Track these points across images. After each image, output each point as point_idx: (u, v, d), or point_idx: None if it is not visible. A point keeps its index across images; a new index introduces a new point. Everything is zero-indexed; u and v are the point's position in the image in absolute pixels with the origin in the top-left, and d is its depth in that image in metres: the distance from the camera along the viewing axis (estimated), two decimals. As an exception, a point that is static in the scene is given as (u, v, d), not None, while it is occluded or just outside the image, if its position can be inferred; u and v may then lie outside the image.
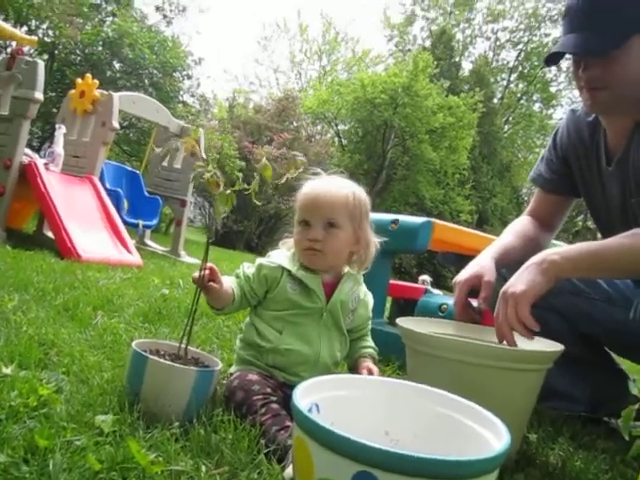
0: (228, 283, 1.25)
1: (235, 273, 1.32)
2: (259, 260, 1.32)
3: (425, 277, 5.94)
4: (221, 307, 1.26)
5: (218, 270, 1.20)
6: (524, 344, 1.19)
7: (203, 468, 0.91)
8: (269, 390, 1.15)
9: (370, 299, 1.42)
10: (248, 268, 1.31)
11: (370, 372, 1.28)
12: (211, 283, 1.19)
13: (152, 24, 11.85)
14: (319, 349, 1.27)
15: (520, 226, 1.59)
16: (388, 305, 2.62)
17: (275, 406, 1.10)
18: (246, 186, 1.16)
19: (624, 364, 1.67)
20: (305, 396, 0.82)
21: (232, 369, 1.32)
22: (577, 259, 1.20)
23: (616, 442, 1.36)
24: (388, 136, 16.95)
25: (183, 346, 1.19)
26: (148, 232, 5.67)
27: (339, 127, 19.36)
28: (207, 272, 1.17)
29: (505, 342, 1.16)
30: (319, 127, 19.30)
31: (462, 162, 17.16)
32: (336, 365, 1.34)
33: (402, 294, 2.38)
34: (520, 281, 1.17)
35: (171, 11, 12.80)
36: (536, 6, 23.17)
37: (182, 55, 10.96)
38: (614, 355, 1.65)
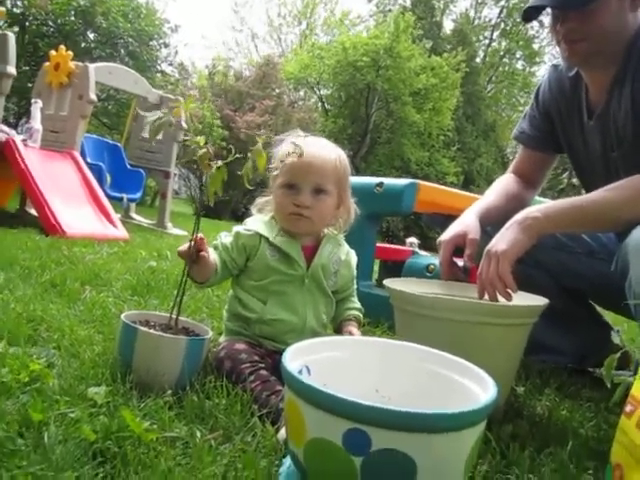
0: (212, 255, 1.24)
1: (213, 245, 1.30)
2: (236, 228, 1.31)
3: (412, 239, 5.94)
4: (204, 280, 1.24)
5: (206, 241, 1.19)
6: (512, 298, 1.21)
7: (198, 433, 0.92)
8: (257, 358, 1.16)
9: (352, 258, 1.42)
10: (225, 237, 1.30)
11: (351, 336, 1.28)
12: (202, 252, 1.17)
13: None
14: (305, 316, 1.28)
15: (503, 184, 1.59)
16: (377, 268, 2.65)
17: (264, 372, 1.11)
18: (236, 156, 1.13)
19: (608, 316, 1.70)
20: (295, 358, 0.83)
21: (221, 339, 1.33)
22: (559, 215, 1.21)
23: (600, 391, 1.40)
24: (371, 99, 16.77)
25: (174, 316, 1.19)
26: (133, 205, 5.63)
27: (322, 92, 19.10)
28: (196, 243, 1.15)
29: (487, 298, 1.18)
30: (302, 93, 19.04)
31: (446, 123, 17.08)
32: (324, 327, 1.36)
33: (389, 256, 2.40)
34: (502, 239, 1.19)
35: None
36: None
37: (158, 23, 10.66)
38: (599, 308, 1.68)
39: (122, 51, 9.70)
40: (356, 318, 1.38)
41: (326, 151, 1.29)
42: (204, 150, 1.11)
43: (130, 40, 9.45)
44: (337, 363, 0.92)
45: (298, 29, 23.43)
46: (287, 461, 0.83)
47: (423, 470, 0.61)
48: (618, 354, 0.98)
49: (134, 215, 5.63)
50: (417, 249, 2.67)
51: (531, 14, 1.34)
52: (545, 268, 1.51)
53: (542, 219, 1.19)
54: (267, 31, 24.02)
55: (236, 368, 1.13)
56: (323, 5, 23.14)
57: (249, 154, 1.10)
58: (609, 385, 0.95)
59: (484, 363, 0.86)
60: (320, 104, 18.78)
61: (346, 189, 1.33)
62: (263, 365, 1.14)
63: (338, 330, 1.38)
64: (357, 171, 15.38)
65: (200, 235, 1.16)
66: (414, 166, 16.77)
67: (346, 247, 1.41)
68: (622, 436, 0.66)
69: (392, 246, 2.63)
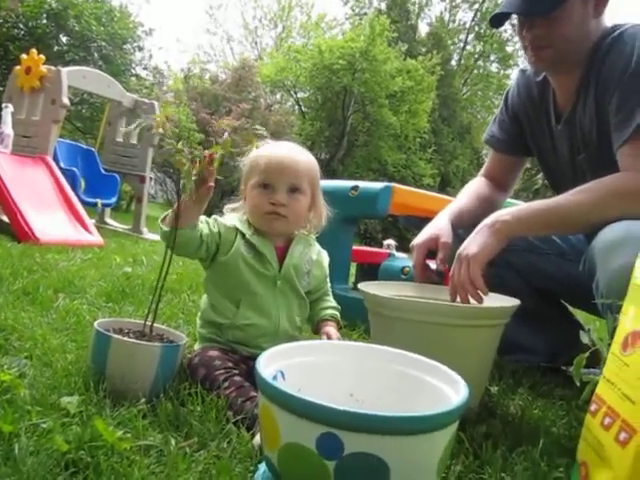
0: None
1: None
2: (214, 216, 1.30)
3: (390, 241, 5.97)
4: (188, 224, 1.17)
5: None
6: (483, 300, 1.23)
7: (172, 441, 0.92)
8: (230, 364, 1.16)
9: (324, 258, 1.43)
10: (208, 220, 1.27)
11: (329, 337, 1.29)
12: (210, 183, 1.12)
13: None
14: (278, 320, 1.28)
15: (475, 188, 1.62)
16: (354, 271, 2.66)
17: (238, 379, 1.11)
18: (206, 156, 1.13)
19: (580, 315, 1.74)
20: (269, 364, 0.84)
21: (196, 346, 1.32)
22: (528, 218, 1.23)
23: (572, 389, 1.42)
24: (348, 102, 16.82)
25: (148, 323, 1.18)
26: (108, 210, 5.56)
27: (298, 95, 19.10)
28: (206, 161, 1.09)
29: (459, 301, 1.21)
30: (278, 96, 19.02)
31: (422, 126, 17.21)
32: (298, 330, 1.36)
33: (365, 259, 2.41)
34: (473, 243, 1.21)
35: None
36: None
37: (132, 26, 10.53)
38: (570, 307, 1.72)
39: (95, 55, 9.55)
40: (333, 317, 1.38)
41: (298, 152, 1.32)
42: (180, 150, 1.11)
43: (103, 44, 9.30)
44: (311, 368, 0.92)
45: (274, 32, 23.43)
46: (262, 466, 0.83)
47: (396, 472, 0.62)
48: (587, 353, 1.00)
49: (109, 220, 5.56)
50: (394, 251, 2.69)
51: (499, 20, 1.37)
52: (516, 269, 1.53)
53: (512, 222, 1.21)
54: (242, 34, 23.89)
55: (210, 375, 1.12)
56: (299, 8, 23.19)
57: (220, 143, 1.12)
58: (578, 384, 0.97)
59: (457, 364, 0.87)
60: (297, 107, 18.78)
61: (318, 191, 1.35)
62: (237, 371, 1.14)
63: (316, 331, 1.38)
64: (334, 174, 15.42)
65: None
66: (391, 168, 16.86)
67: (317, 247, 1.41)
68: (587, 434, 0.67)
69: (368, 249, 2.65)
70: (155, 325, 1.20)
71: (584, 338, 1.56)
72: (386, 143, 16.92)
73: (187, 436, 0.95)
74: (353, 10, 23.63)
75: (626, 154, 1.22)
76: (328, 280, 1.45)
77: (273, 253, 1.29)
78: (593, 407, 0.68)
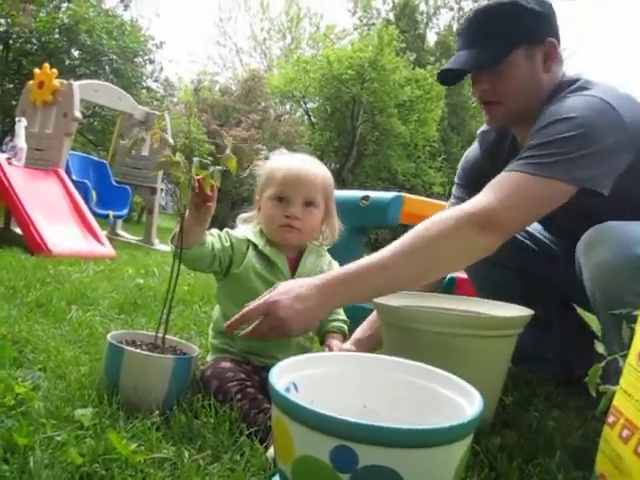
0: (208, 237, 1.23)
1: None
2: (226, 229, 1.32)
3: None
4: (193, 243, 1.18)
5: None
6: (494, 310, 1.22)
7: (186, 454, 0.92)
8: (243, 376, 1.15)
9: (335, 267, 1.43)
10: (220, 233, 1.29)
11: (329, 349, 1.27)
12: (209, 203, 1.13)
13: (109, 8, 11.49)
14: None
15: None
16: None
17: (251, 390, 1.10)
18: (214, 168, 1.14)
19: (592, 322, 1.72)
20: (282, 376, 0.83)
21: (208, 358, 1.32)
22: (351, 279, 1.11)
23: (587, 399, 1.40)
24: (357, 112, 16.87)
25: (160, 335, 1.18)
26: (119, 222, 5.60)
27: (308, 105, 19.18)
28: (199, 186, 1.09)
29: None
30: (287, 106, 19.12)
31: (432, 134, 17.20)
32: (311, 340, 1.36)
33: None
34: (284, 295, 1.07)
35: (128, -7, 12.41)
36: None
37: (142, 39, 10.67)
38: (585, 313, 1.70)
39: (107, 68, 9.68)
40: (340, 330, 1.38)
41: (314, 165, 1.33)
42: (176, 161, 1.11)
43: (115, 57, 9.43)
44: (324, 379, 0.92)
45: (283, 43, 23.58)
46: (276, 479, 0.83)
47: (410, 485, 0.61)
48: (602, 363, 0.99)
49: (121, 232, 5.60)
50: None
51: (447, 76, 1.36)
52: (526, 279, 1.53)
53: (334, 284, 1.10)
54: (252, 46, 24.05)
55: (223, 387, 1.12)
56: (308, 19, 23.33)
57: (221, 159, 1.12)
58: (594, 394, 0.96)
59: (470, 375, 0.87)
60: (306, 117, 18.86)
61: (332, 204, 1.36)
62: (249, 383, 1.13)
63: (322, 342, 1.39)
64: (344, 184, 15.43)
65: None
66: (401, 177, 16.86)
67: (328, 257, 1.42)
68: (605, 446, 0.67)
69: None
70: (167, 337, 1.20)
71: (599, 348, 1.54)
72: (395, 152, 16.92)
73: (200, 449, 0.95)
74: (361, 21, 23.74)
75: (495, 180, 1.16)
76: None
77: (285, 263, 1.30)
78: (611, 419, 0.67)
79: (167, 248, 5.12)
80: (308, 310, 1.07)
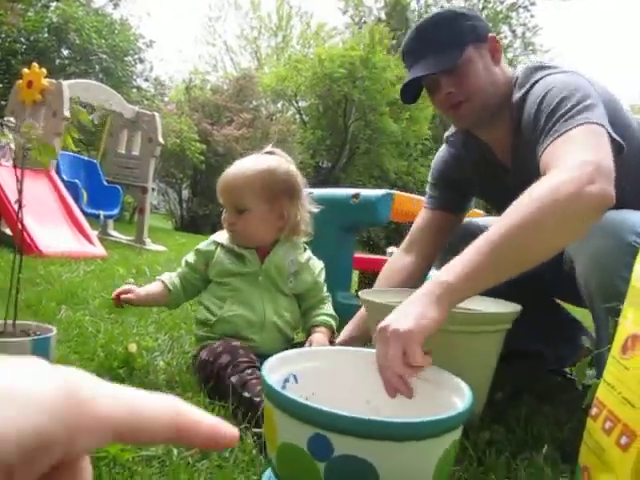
0: (153, 287, 1.40)
1: (178, 269, 1.44)
2: (196, 247, 1.44)
3: (392, 249, 5.98)
4: (156, 305, 1.50)
5: (134, 287, 1.39)
6: (482, 306, 1.23)
7: (175, 451, 0.92)
8: (253, 356, 1.18)
9: (316, 265, 1.45)
10: (189, 256, 1.42)
11: (310, 344, 1.31)
12: (128, 296, 1.35)
13: (98, 7, 11.41)
14: (263, 311, 1.32)
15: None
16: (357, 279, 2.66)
17: (259, 372, 1.12)
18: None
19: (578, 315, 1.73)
20: (282, 365, 0.86)
21: (193, 350, 1.38)
22: (475, 272, 0.91)
23: (577, 394, 1.42)
24: (349, 110, 16.87)
25: (10, 322, 1.18)
26: (111, 222, 5.57)
27: (300, 104, 19.17)
28: (119, 294, 1.37)
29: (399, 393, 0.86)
30: (279, 105, 19.09)
31: (424, 132, 17.24)
32: (290, 325, 1.38)
33: (367, 267, 2.41)
34: (405, 315, 0.87)
35: (117, -8, 12.33)
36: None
37: (132, 38, 10.61)
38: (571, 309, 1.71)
39: (97, 67, 9.61)
40: (325, 324, 1.40)
41: (244, 171, 1.34)
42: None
43: (104, 56, 9.35)
44: (326, 374, 0.93)
45: (274, 41, 23.53)
46: (268, 473, 0.83)
47: (385, 478, 0.62)
48: (589, 357, 1.00)
49: (112, 232, 5.57)
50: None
51: (409, 93, 1.40)
52: None
53: (456, 284, 0.90)
54: (242, 45, 23.96)
55: (234, 360, 1.15)
56: (298, 18, 23.30)
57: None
58: (580, 388, 0.97)
59: (459, 371, 0.87)
60: (298, 116, 18.85)
61: (282, 200, 1.35)
62: (259, 365, 1.15)
63: (307, 337, 1.40)
64: (337, 182, 15.43)
65: (124, 288, 1.37)
66: (393, 175, 16.88)
67: (308, 253, 1.45)
68: (589, 438, 0.67)
69: (370, 256, 2.65)
70: (19, 322, 1.21)
71: (586, 342, 1.56)
72: (387, 150, 16.95)
73: (190, 446, 0.95)
74: (352, 19, 23.75)
75: (549, 153, 1.10)
76: (325, 289, 1.46)
77: (254, 254, 1.36)
78: (594, 411, 0.68)
79: (159, 247, 5.11)
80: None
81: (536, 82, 1.27)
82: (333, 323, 1.42)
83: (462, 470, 0.95)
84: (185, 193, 12.09)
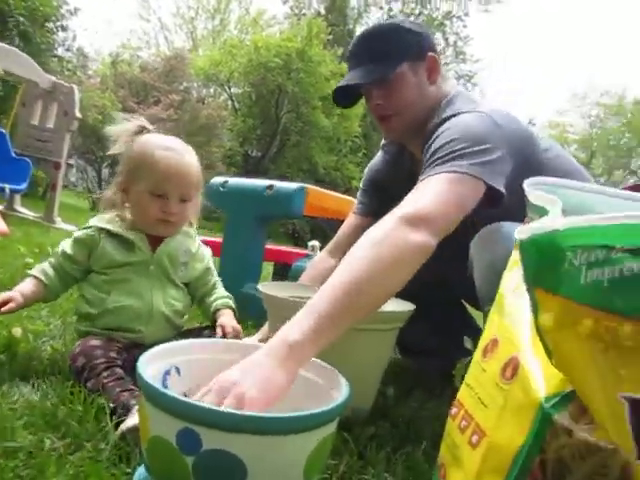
0: (28, 285, 1.26)
1: (51, 255, 1.33)
2: (75, 234, 1.32)
3: (314, 243, 6.00)
4: (36, 303, 1.31)
5: (11, 293, 1.22)
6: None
7: (47, 442, 0.88)
8: (112, 355, 1.13)
9: (205, 252, 1.45)
10: (65, 244, 1.31)
11: (223, 328, 1.28)
12: (10, 306, 1.19)
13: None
14: (151, 300, 1.27)
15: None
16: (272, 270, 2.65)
17: (119, 370, 1.08)
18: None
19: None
20: (164, 357, 0.84)
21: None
22: (330, 324, 0.87)
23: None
24: (282, 101, 16.81)
25: None
26: (18, 197, 5.24)
27: (232, 90, 18.87)
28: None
29: None
30: (212, 90, 18.71)
31: (354, 129, 17.48)
32: (178, 315, 1.34)
33: (279, 259, 2.41)
34: (251, 377, 0.76)
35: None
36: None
37: (55, 3, 9.97)
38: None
39: (14, 31, 8.94)
40: (227, 306, 1.39)
41: (190, 157, 1.30)
42: None
43: (22, 19, 8.72)
44: (210, 365, 0.91)
45: (211, 24, 23.01)
46: (141, 468, 0.81)
47: (254, 472, 0.62)
48: (468, 359, 1.04)
49: (19, 208, 5.24)
50: (318, 252, 2.71)
51: (341, 97, 1.42)
52: None
53: (306, 342, 0.84)
54: (178, 24, 23.25)
55: (90, 363, 1.09)
56: (238, 2, 22.91)
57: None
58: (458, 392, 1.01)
59: (351, 367, 0.89)
60: (230, 102, 18.55)
61: (200, 189, 1.35)
62: (120, 363, 1.11)
63: (213, 322, 1.37)
64: (266, 172, 15.34)
65: (3, 298, 1.19)
66: (322, 170, 17.00)
67: (198, 241, 1.43)
68: (447, 437, 0.70)
69: (283, 248, 2.65)
70: None
71: (467, 343, 1.63)
72: (318, 144, 17.05)
73: (64, 436, 0.91)
74: (292, 10, 23.63)
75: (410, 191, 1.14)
76: (215, 274, 1.45)
77: (145, 242, 1.29)
78: (453, 410, 0.71)
79: (70, 227, 4.87)
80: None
81: (447, 118, 1.30)
82: (233, 304, 1.41)
83: (342, 463, 0.96)
84: (105, 172, 11.60)
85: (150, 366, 0.81)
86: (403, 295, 1.30)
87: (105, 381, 1.04)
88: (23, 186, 4.99)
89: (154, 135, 1.33)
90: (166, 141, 1.30)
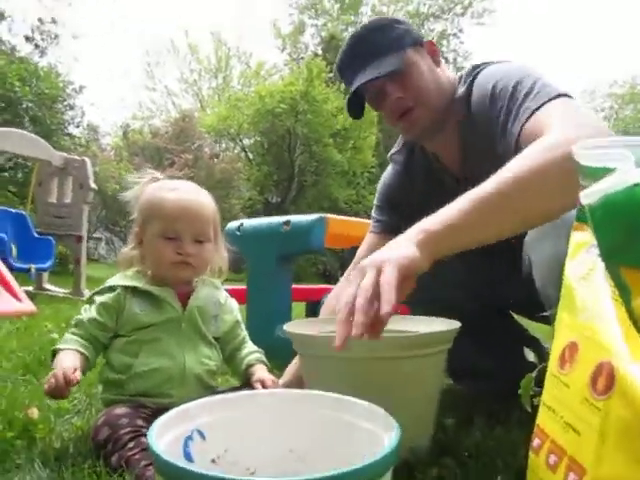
0: (74, 360, 1.08)
1: (73, 326, 1.17)
2: (97, 298, 1.18)
3: (345, 277, 5.90)
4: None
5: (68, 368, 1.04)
6: (416, 326, 1.13)
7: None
8: (140, 422, 1.01)
9: (233, 304, 1.34)
10: (87, 311, 1.17)
11: (263, 384, 1.17)
12: (76, 375, 1.03)
13: (24, 55, 11.06)
14: (183, 360, 1.15)
15: None
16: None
17: (145, 439, 0.96)
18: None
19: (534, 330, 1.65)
20: (181, 421, 0.73)
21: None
22: (467, 223, 0.84)
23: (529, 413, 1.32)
24: (293, 144, 16.96)
25: None
26: (45, 275, 5.25)
27: (244, 142, 19.16)
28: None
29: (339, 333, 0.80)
30: (223, 145, 19.04)
31: (369, 160, 17.48)
32: (212, 375, 1.22)
33: (309, 297, 2.29)
34: (387, 250, 0.84)
35: (43, 40, 12.03)
36: (417, 6, 24.07)
37: (61, 85, 10.29)
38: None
39: (25, 117, 9.24)
40: (261, 361, 1.28)
41: (202, 195, 1.23)
42: None
43: (30, 104, 9.01)
44: (239, 424, 0.79)
45: (215, 82, 23.63)
46: None
47: None
48: (534, 372, 0.90)
49: (48, 285, 5.25)
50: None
51: (356, 107, 1.37)
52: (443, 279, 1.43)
53: (443, 233, 0.84)
54: (183, 88, 23.95)
55: (115, 434, 0.97)
56: (237, 58, 23.53)
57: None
58: (529, 409, 0.87)
59: (399, 403, 0.76)
60: (243, 153, 18.81)
61: (219, 232, 1.27)
62: (146, 431, 0.99)
63: (247, 380, 1.26)
64: (287, 214, 15.34)
65: (66, 374, 1.01)
66: (342, 204, 16.96)
67: (224, 292, 1.32)
68: (532, 476, 0.55)
69: (308, 286, 2.53)
70: None
71: (529, 355, 1.47)
72: (335, 180, 17.07)
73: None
74: (291, 56, 24.15)
75: (530, 126, 1.03)
76: (243, 327, 1.34)
77: (174, 297, 1.19)
78: (536, 442, 0.56)
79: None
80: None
81: (477, 73, 1.26)
82: (264, 359, 1.30)
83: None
84: (131, 240, 11.76)
85: (166, 434, 0.70)
86: (446, 310, 1.17)
87: (130, 454, 0.93)
88: (48, 264, 5.01)
89: (163, 181, 1.27)
90: (174, 183, 1.24)
